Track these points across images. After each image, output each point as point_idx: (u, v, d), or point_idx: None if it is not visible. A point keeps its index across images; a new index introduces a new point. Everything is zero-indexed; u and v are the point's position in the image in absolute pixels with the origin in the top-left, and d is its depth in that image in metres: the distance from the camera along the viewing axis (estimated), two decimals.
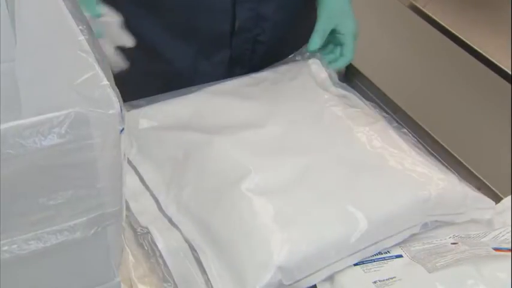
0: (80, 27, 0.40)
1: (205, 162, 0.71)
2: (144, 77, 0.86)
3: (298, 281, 0.59)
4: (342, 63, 0.83)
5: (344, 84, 0.89)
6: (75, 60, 0.38)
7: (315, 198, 0.64)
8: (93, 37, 0.40)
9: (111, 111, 0.37)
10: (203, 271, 0.61)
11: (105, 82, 0.38)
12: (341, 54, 0.83)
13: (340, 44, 0.83)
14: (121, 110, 0.38)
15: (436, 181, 0.66)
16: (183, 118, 0.79)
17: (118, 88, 0.38)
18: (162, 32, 0.84)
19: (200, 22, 0.82)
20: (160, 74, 0.86)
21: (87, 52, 0.38)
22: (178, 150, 0.74)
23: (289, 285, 0.59)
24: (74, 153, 0.36)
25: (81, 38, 0.39)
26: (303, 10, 0.90)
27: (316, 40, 0.82)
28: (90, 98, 0.37)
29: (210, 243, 0.63)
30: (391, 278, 0.59)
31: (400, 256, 0.62)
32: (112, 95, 0.38)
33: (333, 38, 0.84)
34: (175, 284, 0.60)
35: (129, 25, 0.73)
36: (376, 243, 0.62)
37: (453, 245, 0.62)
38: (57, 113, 0.35)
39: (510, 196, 0.69)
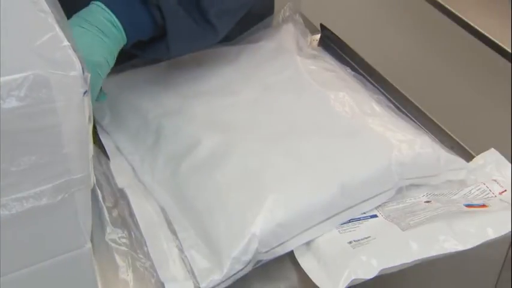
0: None
1: (179, 130, 0.70)
2: None
3: (275, 247, 0.59)
4: None
5: (319, 48, 0.88)
6: (34, 21, 0.37)
7: (290, 164, 0.64)
8: None
9: (72, 73, 0.36)
10: (177, 240, 0.61)
11: (66, 43, 0.37)
12: None
13: None
14: (83, 72, 0.37)
15: (409, 144, 0.66)
16: (156, 86, 0.78)
17: None
18: None
19: None
20: None
21: (46, 12, 0.37)
22: (151, 119, 0.73)
23: (266, 252, 0.59)
24: (35, 117, 0.35)
25: None
26: None
27: None
28: (50, 59, 0.36)
29: (185, 213, 0.63)
30: (366, 238, 0.60)
31: (374, 216, 0.63)
32: (73, 56, 0.36)
33: None
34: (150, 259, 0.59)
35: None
36: (351, 207, 0.62)
37: (426, 203, 0.63)
38: (15, 75, 0.34)
39: (483, 153, 0.70)
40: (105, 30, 0.63)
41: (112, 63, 0.65)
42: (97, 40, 0.62)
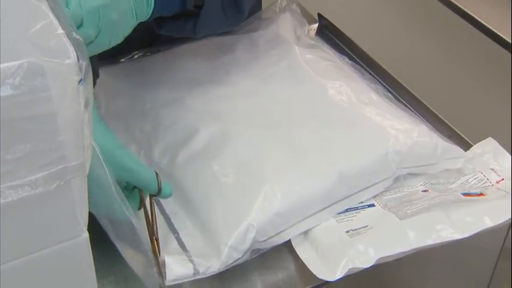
0: None
1: (176, 120, 0.70)
2: None
3: (272, 237, 0.59)
4: None
5: (316, 37, 0.88)
6: (27, 9, 0.36)
7: (287, 154, 0.64)
8: None
9: (67, 61, 0.36)
10: (174, 230, 0.61)
11: (61, 31, 0.36)
12: None
13: None
14: (78, 59, 0.36)
15: (406, 133, 0.66)
16: (153, 76, 0.78)
17: None
18: None
19: None
20: None
21: (40, 0, 0.37)
22: (148, 109, 0.73)
23: (264, 241, 0.59)
24: (30, 105, 0.35)
25: None
26: None
27: None
28: (45, 47, 0.36)
29: (182, 202, 0.63)
30: (364, 227, 0.60)
31: (372, 205, 0.63)
32: (68, 44, 0.36)
33: None
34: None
35: None
36: (348, 196, 0.63)
37: (424, 192, 0.63)
38: (9, 63, 0.34)
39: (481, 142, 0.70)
40: (138, 8, 0.59)
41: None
42: (128, 14, 0.58)
